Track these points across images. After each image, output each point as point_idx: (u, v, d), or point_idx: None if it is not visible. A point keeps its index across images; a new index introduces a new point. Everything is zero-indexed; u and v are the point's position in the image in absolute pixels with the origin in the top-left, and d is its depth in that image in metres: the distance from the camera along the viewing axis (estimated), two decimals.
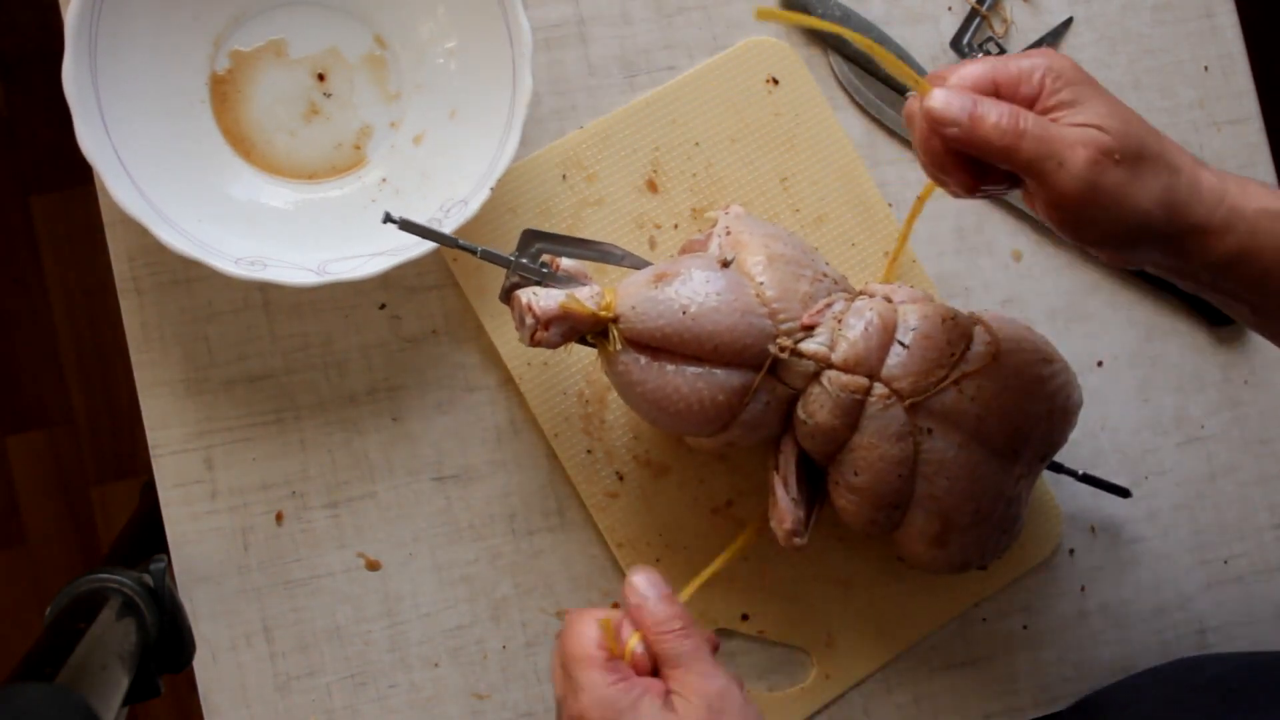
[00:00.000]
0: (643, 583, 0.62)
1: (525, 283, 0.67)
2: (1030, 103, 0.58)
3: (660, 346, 0.64)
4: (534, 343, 0.65)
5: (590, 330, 0.65)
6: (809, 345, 0.65)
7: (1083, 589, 0.81)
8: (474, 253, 0.66)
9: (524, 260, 0.67)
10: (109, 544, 1.50)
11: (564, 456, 0.75)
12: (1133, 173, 0.57)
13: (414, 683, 0.74)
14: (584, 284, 0.67)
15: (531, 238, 0.67)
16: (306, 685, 0.73)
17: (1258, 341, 0.84)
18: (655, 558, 0.76)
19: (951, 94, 0.57)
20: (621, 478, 0.76)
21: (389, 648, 0.74)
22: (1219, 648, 0.82)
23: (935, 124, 0.57)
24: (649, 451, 0.76)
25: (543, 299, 0.64)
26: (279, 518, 0.74)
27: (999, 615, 0.80)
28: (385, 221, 0.64)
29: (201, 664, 0.73)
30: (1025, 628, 0.80)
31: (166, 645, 0.65)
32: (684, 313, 0.64)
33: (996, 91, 0.58)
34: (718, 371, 0.65)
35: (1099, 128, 0.57)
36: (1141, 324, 0.83)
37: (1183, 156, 0.59)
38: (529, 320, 0.64)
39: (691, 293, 0.64)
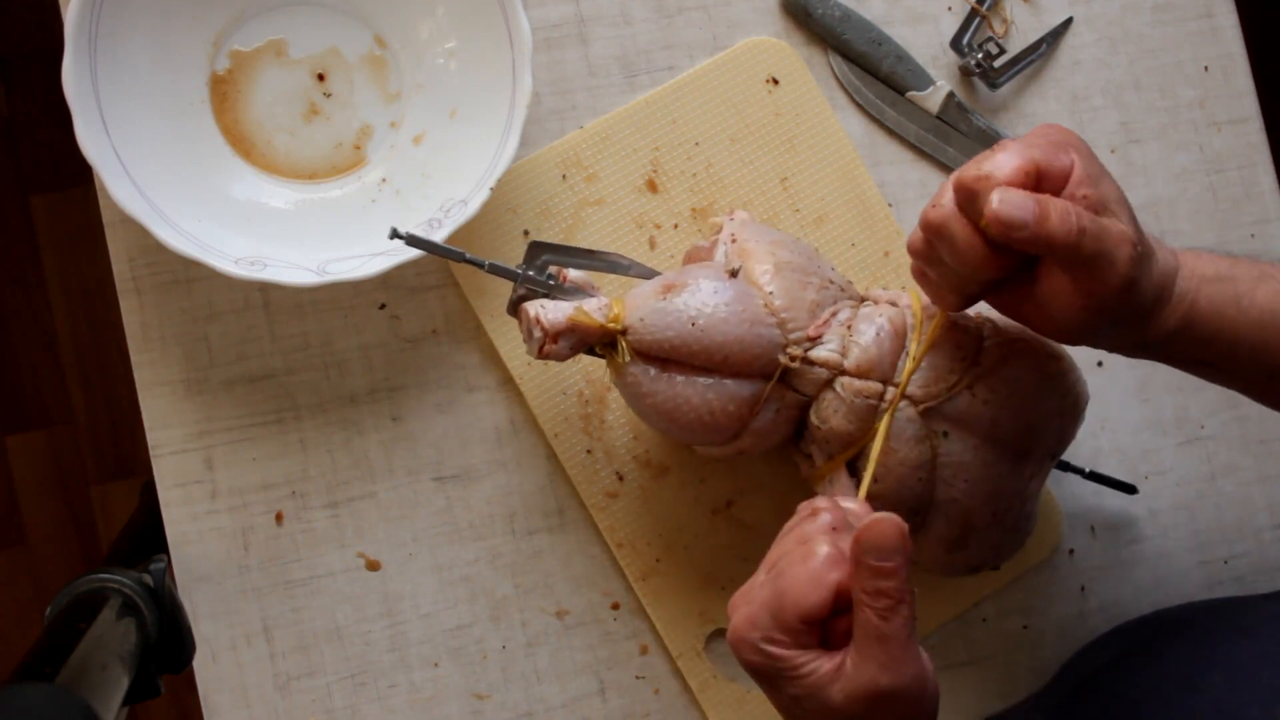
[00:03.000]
0: (895, 535, 0.52)
1: (532, 295, 0.67)
2: (1059, 188, 0.58)
3: (669, 358, 0.64)
4: (542, 355, 0.65)
5: (599, 342, 0.65)
6: (821, 353, 0.65)
7: (1083, 589, 0.81)
8: (481, 266, 0.66)
9: (531, 273, 0.67)
10: (109, 544, 1.50)
11: (564, 456, 0.75)
12: (1145, 263, 0.58)
13: (414, 683, 0.74)
14: (591, 295, 0.67)
15: (538, 249, 0.67)
16: (306, 685, 0.73)
17: None
18: (655, 558, 0.76)
19: (1012, 194, 0.56)
20: (621, 478, 0.76)
21: (389, 648, 0.74)
22: None
23: (1005, 228, 0.55)
24: (649, 451, 0.76)
25: (550, 312, 0.64)
26: (279, 518, 0.74)
27: (999, 615, 0.80)
28: (392, 238, 0.64)
29: (201, 664, 0.73)
30: (1025, 628, 0.80)
31: (166, 645, 0.65)
32: (693, 324, 0.64)
33: (1038, 181, 0.57)
34: (727, 382, 0.65)
35: (1125, 226, 0.58)
36: None
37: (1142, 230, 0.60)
38: (537, 333, 0.64)
39: (700, 303, 0.64)
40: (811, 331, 0.65)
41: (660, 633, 0.76)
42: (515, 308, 0.67)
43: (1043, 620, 0.80)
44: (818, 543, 0.56)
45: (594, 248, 0.70)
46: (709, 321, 0.64)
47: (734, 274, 0.66)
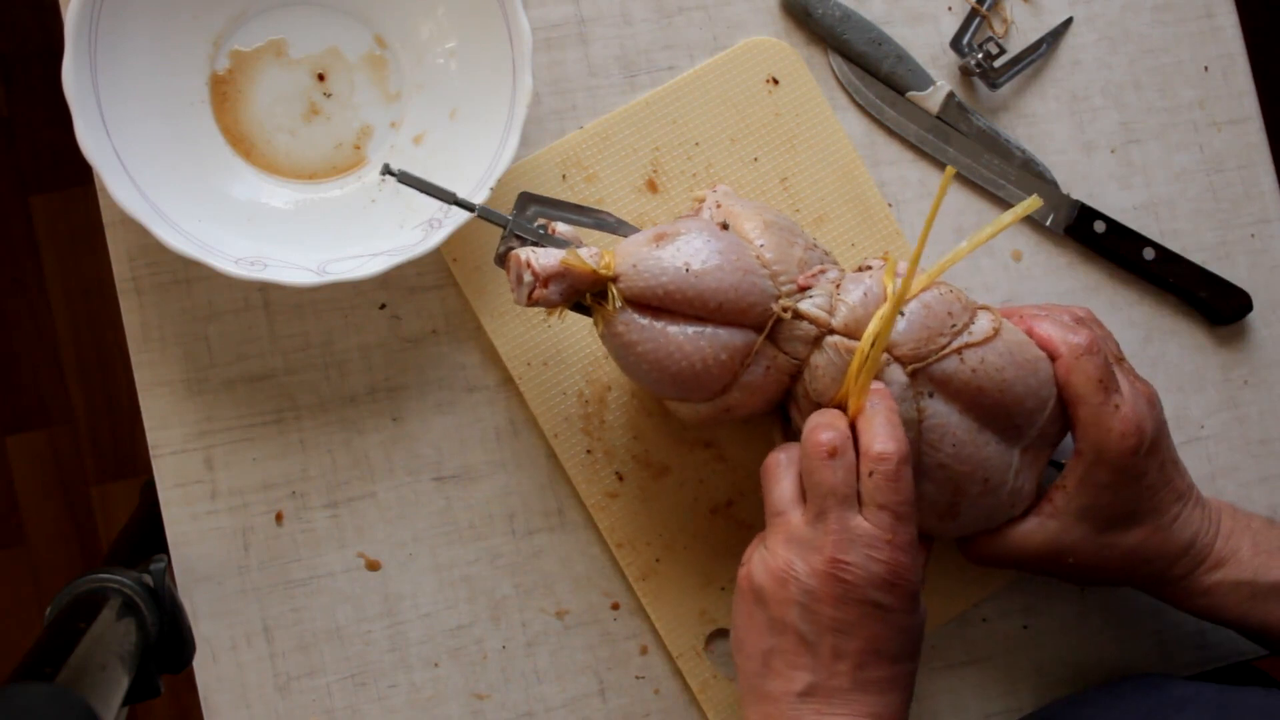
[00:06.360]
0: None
1: (521, 245, 0.66)
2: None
3: (661, 305, 0.64)
4: (531, 301, 0.64)
5: (589, 289, 0.65)
6: (810, 308, 0.65)
7: (1083, 589, 0.81)
8: (471, 209, 0.66)
9: (521, 220, 0.67)
10: (109, 544, 1.50)
11: (564, 456, 0.75)
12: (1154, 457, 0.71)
13: (414, 683, 0.74)
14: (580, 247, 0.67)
15: (528, 200, 0.67)
16: (306, 685, 0.73)
17: (1258, 341, 0.84)
18: (655, 558, 0.76)
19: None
20: (621, 478, 0.76)
21: (389, 648, 0.74)
22: (1218, 648, 0.82)
23: None
24: (649, 451, 0.76)
25: (542, 256, 0.64)
26: (279, 518, 0.74)
27: (999, 615, 0.80)
28: (384, 174, 0.65)
29: (201, 664, 0.73)
30: (1025, 628, 0.80)
31: (166, 645, 0.65)
32: (687, 270, 0.64)
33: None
34: (720, 330, 0.64)
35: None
36: (1141, 324, 0.83)
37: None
38: (527, 277, 0.64)
39: (694, 250, 0.64)
40: (802, 280, 0.65)
41: (660, 633, 0.76)
42: (502, 258, 0.67)
43: (1043, 620, 0.80)
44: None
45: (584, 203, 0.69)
46: (704, 268, 0.64)
47: (725, 227, 0.66)
